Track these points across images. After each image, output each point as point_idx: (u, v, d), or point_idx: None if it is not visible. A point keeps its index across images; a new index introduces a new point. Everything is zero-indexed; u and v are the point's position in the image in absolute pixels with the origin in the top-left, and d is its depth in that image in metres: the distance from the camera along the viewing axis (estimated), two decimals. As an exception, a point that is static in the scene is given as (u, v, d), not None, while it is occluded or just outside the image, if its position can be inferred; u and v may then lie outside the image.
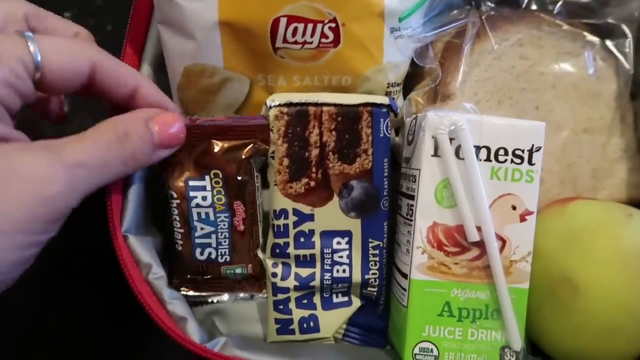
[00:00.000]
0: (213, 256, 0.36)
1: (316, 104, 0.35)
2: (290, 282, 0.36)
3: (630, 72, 0.39)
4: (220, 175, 0.35)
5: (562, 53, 0.40)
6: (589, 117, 0.40)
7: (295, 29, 0.34)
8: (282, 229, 0.35)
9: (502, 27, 0.39)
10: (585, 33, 0.40)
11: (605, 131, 0.40)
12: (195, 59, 0.35)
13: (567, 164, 0.39)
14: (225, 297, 0.38)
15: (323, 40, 0.34)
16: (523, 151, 0.33)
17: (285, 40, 0.34)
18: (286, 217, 0.35)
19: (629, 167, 0.40)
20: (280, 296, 0.36)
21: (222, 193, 0.35)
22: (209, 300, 0.38)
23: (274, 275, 0.36)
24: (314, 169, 0.35)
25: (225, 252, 0.36)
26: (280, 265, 0.36)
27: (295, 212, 0.35)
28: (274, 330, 0.36)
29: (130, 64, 0.35)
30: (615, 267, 0.32)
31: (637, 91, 0.40)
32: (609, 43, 0.40)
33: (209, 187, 0.35)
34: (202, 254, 0.36)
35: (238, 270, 0.37)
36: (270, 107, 0.35)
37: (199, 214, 0.35)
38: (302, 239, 0.35)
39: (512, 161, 0.33)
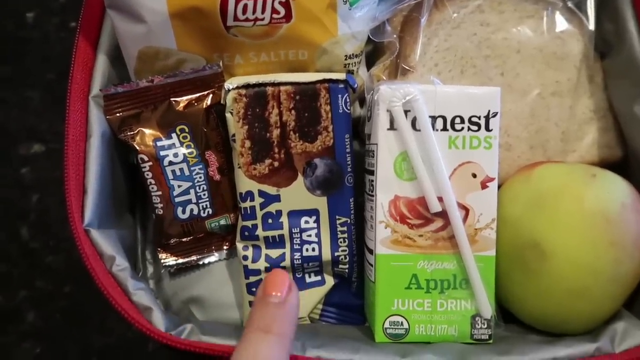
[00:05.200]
0: (195, 212, 0.37)
1: (273, 84, 0.35)
2: (261, 264, 0.36)
3: (592, 31, 0.39)
4: (187, 130, 0.36)
5: (524, 17, 0.39)
6: (556, 79, 0.39)
7: (245, 6, 0.33)
8: (249, 211, 0.36)
9: (459, -5, 0.39)
10: (547, -6, 0.40)
11: (573, 93, 0.39)
12: (148, 42, 0.35)
13: (536, 129, 0.39)
14: (214, 256, 0.39)
15: (274, 15, 0.34)
16: (479, 118, 0.32)
17: (236, 18, 0.34)
18: (252, 199, 0.35)
19: (600, 127, 0.39)
20: (253, 278, 0.36)
21: (192, 146, 0.36)
22: (200, 262, 0.38)
23: (245, 258, 0.36)
24: (276, 150, 0.35)
25: (206, 205, 0.37)
26: (250, 248, 0.36)
27: (261, 193, 0.35)
28: (249, 313, 0.37)
29: (84, 57, 0.35)
30: (579, 229, 0.31)
31: (606, 50, 0.40)
32: (570, 3, 0.39)
33: (178, 144, 0.36)
34: (184, 212, 0.37)
35: (222, 222, 0.38)
36: (229, 90, 0.35)
37: (173, 171, 0.36)
38: (269, 220, 0.36)
39: (469, 129, 0.32)
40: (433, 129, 0.32)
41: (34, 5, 0.50)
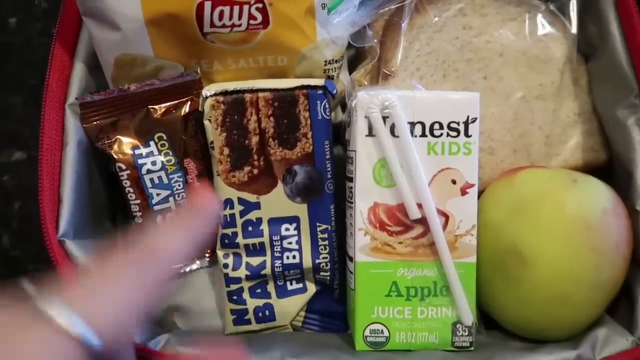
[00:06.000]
0: None
1: (252, 90, 0.34)
2: (242, 272, 0.36)
3: (574, 34, 0.38)
4: (165, 137, 0.36)
5: (507, 20, 0.39)
6: (540, 83, 0.39)
7: (222, 12, 0.33)
8: (228, 219, 0.35)
9: (441, -1, 0.39)
10: (529, -3, 0.39)
11: (557, 96, 0.39)
12: (124, 50, 0.34)
13: (520, 132, 0.38)
14: (196, 265, 0.38)
15: (252, 22, 0.34)
16: (458, 123, 0.32)
17: (212, 25, 0.33)
18: (232, 207, 0.35)
19: (584, 130, 0.39)
20: (233, 287, 0.36)
21: (171, 154, 0.36)
22: (181, 270, 0.38)
23: (225, 266, 0.36)
24: (255, 157, 0.35)
25: None
26: (231, 256, 0.36)
27: (241, 201, 0.35)
28: (231, 321, 0.36)
29: (61, 62, 0.35)
30: (560, 235, 0.31)
31: (590, 52, 0.39)
32: (552, 6, 0.39)
33: (156, 152, 0.36)
34: (163, 220, 0.36)
35: None
36: (206, 98, 0.34)
37: (152, 179, 0.36)
38: (250, 228, 0.35)
39: (448, 135, 0.32)
40: (412, 135, 0.32)
41: (17, 10, 0.50)
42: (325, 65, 0.37)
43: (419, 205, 0.32)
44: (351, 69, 0.40)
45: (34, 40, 0.48)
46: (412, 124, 0.32)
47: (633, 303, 0.32)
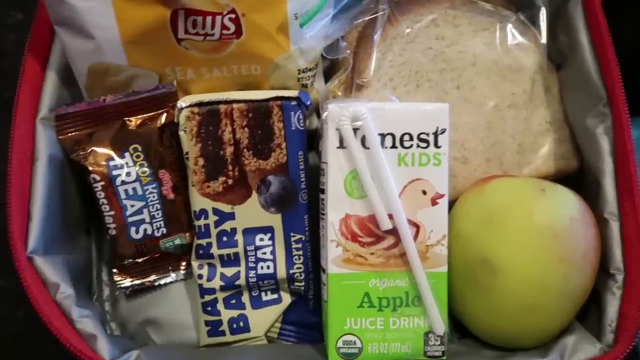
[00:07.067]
0: (149, 232, 0.37)
1: (226, 102, 0.35)
2: (216, 283, 0.36)
3: (544, 44, 0.39)
4: (140, 149, 0.36)
5: (479, 30, 0.39)
6: (512, 92, 0.39)
7: (195, 21, 0.33)
8: (203, 230, 0.35)
9: (413, 10, 0.39)
10: (500, 7, 0.40)
11: (529, 105, 0.39)
12: (98, 58, 0.34)
13: (492, 141, 0.39)
14: (171, 277, 0.38)
15: (224, 31, 0.34)
16: (428, 135, 0.32)
17: (187, 32, 0.34)
18: (206, 217, 0.35)
19: (555, 138, 0.39)
20: (208, 297, 0.36)
21: (146, 165, 0.36)
22: (156, 283, 0.38)
23: (200, 277, 0.36)
24: (230, 167, 0.35)
25: (160, 224, 0.37)
26: (205, 267, 0.36)
27: (215, 211, 0.35)
28: (205, 332, 0.36)
29: (33, 74, 0.35)
30: (528, 245, 0.31)
31: (561, 61, 0.40)
32: (523, 16, 0.39)
33: (130, 163, 0.36)
34: (137, 232, 0.36)
35: (177, 241, 0.37)
36: (181, 109, 0.34)
37: (126, 191, 0.36)
38: (224, 238, 0.35)
39: (418, 146, 0.32)
40: (382, 147, 0.32)
41: (-9, 20, 0.49)
42: (299, 74, 0.37)
43: (390, 216, 0.32)
44: (326, 77, 0.40)
45: (8, 51, 0.48)
46: (383, 136, 0.32)
47: (601, 310, 0.32)
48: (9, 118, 0.46)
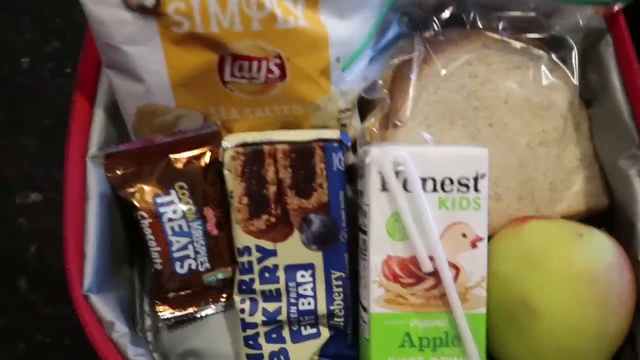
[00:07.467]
0: (193, 267, 0.38)
1: (270, 143, 0.36)
2: (258, 317, 0.37)
3: (575, 84, 0.40)
4: (185, 186, 0.37)
5: (511, 68, 0.40)
6: (543, 129, 0.40)
7: (241, 65, 0.34)
8: (246, 266, 0.36)
9: (448, 49, 0.40)
10: (532, 47, 0.41)
11: (560, 142, 0.40)
12: (147, 100, 0.35)
13: (524, 179, 0.39)
14: (211, 309, 0.39)
15: (269, 75, 0.35)
16: (468, 179, 0.33)
17: (233, 75, 0.35)
18: (250, 254, 0.36)
19: (586, 175, 0.40)
20: (250, 331, 0.37)
21: (191, 202, 0.37)
22: (197, 315, 0.39)
23: (242, 311, 0.37)
24: (273, 206, 0.36)
25: (204, 260, 0.38)
26: (247, 301, 0.37)
27: (258, 248, 0.36)
28: (246, 366, 0.37)
29: (82, 112, 0.36)
30: (567, 290, 0.32)
31: (591, 98, 0.41)
32: (555, 55, 0.40)
33: (176, 200, 0.37)
34: (182, 267, 0.37)
35: (220, 276, 0.38)
36: (226, 149, 0.35)
37: (172, 228, 0.37)
38: (266, 275, 0.36)
39: (458, 190, 0.33)
40: (423, 190, 0.33)
41: (29, 50, 0.50)
42: (339, 114, 0.38)
43: (431, 258, 0.33)
44: (360, 112, 0.41)
45: (47, 80, 0.49)
46: (424, 180, 0.33)
47: (637, 352, 0.33)
48: (49, 146, 0.48)
